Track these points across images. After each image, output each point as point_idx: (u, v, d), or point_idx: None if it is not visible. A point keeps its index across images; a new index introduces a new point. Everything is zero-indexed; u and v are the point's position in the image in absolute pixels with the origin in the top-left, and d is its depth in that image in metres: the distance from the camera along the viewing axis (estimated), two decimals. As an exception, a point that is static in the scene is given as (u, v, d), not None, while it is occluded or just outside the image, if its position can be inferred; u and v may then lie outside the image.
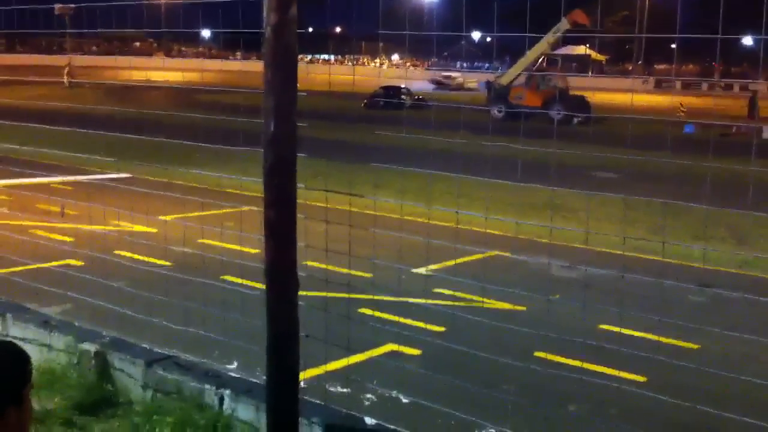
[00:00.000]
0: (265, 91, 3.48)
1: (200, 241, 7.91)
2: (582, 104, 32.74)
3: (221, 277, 6.78)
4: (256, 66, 4.13)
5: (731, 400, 5.50)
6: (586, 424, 5.78)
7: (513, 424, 5.19)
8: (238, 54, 74.73)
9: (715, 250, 10.92)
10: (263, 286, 3.69)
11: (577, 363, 6.21)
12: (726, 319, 7.71)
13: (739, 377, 3.96)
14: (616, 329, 7.02)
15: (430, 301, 8.00)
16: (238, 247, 7.08)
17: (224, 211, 7.94)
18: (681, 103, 36.26)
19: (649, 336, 6.57)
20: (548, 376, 5.98)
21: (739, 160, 7.61)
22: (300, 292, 3.68)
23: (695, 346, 7.28)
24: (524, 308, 8.10)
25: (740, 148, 9.51)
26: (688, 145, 12.33)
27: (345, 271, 5.43)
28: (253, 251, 6.02)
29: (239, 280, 6.79)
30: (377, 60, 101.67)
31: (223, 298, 6.35)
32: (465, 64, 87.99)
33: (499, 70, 39.50)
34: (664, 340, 7.04)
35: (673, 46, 61.65)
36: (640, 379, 6.33)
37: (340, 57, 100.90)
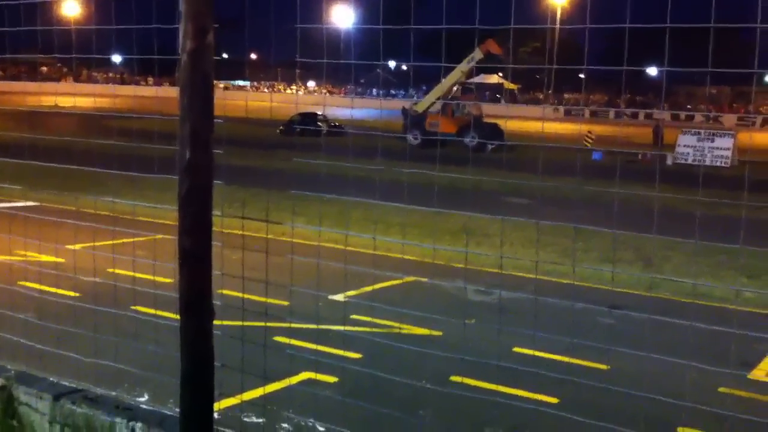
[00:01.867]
0: (180, 118, 3.44)
1: (111, 270, 7.69)
2: (495, 131, 33.56)
3: (132, 307, 6.61)
4: (170, 92, 4.09)
5: (639, 418, 5.67)
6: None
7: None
8: (151, 80, 73.60)
9: (623, 272, 11.27)
10: (177, 316, 3.63)
11: (492, 386, 6.31)
12: (634, 340, 7.95)
13: (646, 395, 4.09)
14: (530, 352, 7.16)
15: (347, 328, 7.99)
16: (150, 277, 6.92)
17: (137, 239, 7.75)
18: (589, 132, 37.50)
19: (561, 358, 6.73)
20: (464, 400, 6.04)
21: (644, 185, 7.91)
22: (215, 321, 3.63)
23: (605, 367, 7.48)
24: (441, 333, 8.18)
25: (646, 174, 9.89)
26: (597, 171, 12.74)
27: (262, 299, 5.39)
28: (166, 280, 5.90)
29: (152, 311, 6.64)
30: (293, 86, 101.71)
31: (135, 329, 6.19)
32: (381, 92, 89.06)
33: (415, 98, 40.09)
34: (575, 361, 7.21)
35: (582, 76, 63.84)
36: (553, 400, 6.46)
37: (255, 83, 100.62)
